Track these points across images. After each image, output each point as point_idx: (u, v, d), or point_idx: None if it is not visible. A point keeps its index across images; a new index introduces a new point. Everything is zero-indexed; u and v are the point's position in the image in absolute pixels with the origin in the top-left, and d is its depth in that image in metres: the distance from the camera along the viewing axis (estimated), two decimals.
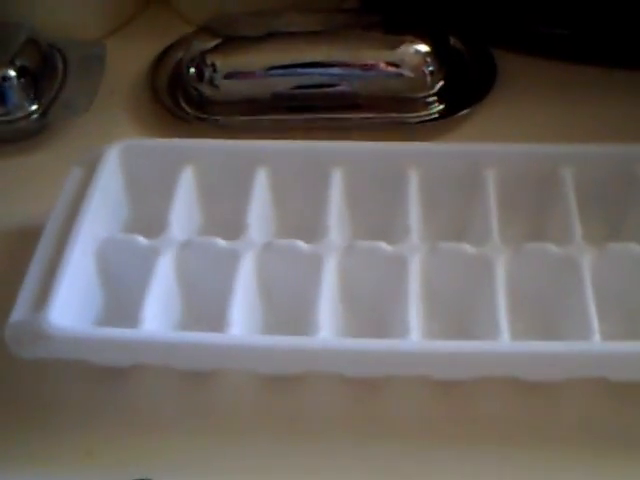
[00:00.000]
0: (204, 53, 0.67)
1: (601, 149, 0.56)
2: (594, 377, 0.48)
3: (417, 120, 0.66)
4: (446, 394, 0.49)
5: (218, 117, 0.67)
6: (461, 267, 0.51)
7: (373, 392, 0.49)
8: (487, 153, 0.56)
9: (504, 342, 0.47)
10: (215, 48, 0.68)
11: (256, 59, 0.67)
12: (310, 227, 0.54)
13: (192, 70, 0.68)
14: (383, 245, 0.51)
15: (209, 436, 0.48)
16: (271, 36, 0.68)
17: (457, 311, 0.51)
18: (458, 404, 0.49)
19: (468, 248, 0.51)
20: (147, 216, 0.55)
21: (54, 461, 0.47)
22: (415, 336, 0.47)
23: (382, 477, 0.46)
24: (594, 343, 0.46)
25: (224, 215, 0.56)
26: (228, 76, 0.67)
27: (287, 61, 0.67)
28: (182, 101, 0.68)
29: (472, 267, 0.51)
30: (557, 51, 0.69)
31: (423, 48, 0.66)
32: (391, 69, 0.66)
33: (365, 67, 0.66)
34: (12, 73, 0.65)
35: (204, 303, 0.51)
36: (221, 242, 0.52)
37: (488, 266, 0.50)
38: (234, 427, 0.48)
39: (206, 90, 0.67)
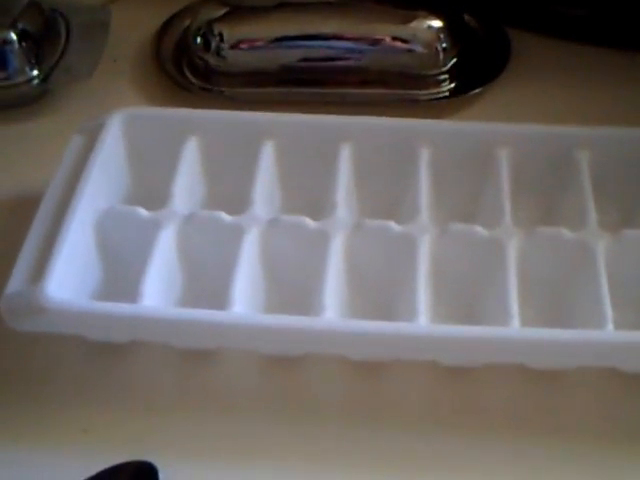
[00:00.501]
0: (211, 22, 0.66)
1: (617, 132, 0.54)
2: (604, 366, 0.47)
3: (427, 98, 0.65)
4: (453, 380, 0.48)
5: (223, 88, 0.66)
6: (471, 249, 0.50)
7: (378, 376, 0.48)
8: (501, 132, 0.54)
9: (514, 328, 0.45)
10: (222, 17, 0.66)
11: (264, 30, 0.66)
12: (317, 204, 0.53)
13: (198, 39, 0.66)
14: (392, 224, 0.50)
15: (208, 416, 0.47)
16: (280, 6, 0.66)
17: (466, 295, 0.50)
18: (465, 391, 0.48)
19: (479, 230, 0.50)
20: (149, 187, 0.54)
21: (49, 438, 0.46)
22: (422, 319, 0.46)
23: (383, 462, 0.45)
24: (606, 332, 0.45)
25: (228, 189, 0.54)
26: (235, 46, 0.65)
27: (296, 33, 0.65)
28: (187, 71, 0.67)
29: (483, 250, 0.50)
30: (574, 32, 0.68)
31: (436, 24, 0.65)
32: (402, 44, 0.65)
33: (376, 41, 0.65)
34: (13, 37, 0.64)
35: (206, 279, 0.50)
36: (225, 217, 0.51)
37: (499, 249, 0.49)
38: (234, 407, 0.47)
39: (212, 60, 0.66)
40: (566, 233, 0.50)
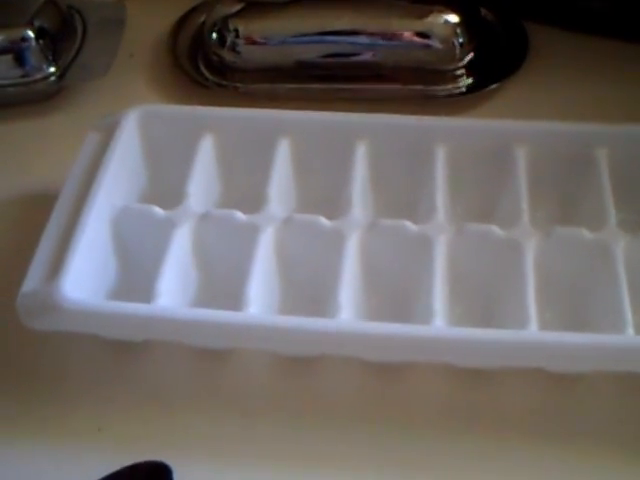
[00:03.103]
0: (227, 18, 0.66)
1: (637, 129, 0.54)
2: (624, 370, 0.46)
3: (444, 93, 0.64)
4: (469, 383, 0.47)
5: (239, 84, 0.65)
6: (489, 250, 0.49)
7: (393, 378, 0.48)
8: (518, 130, 0.54)
9: (532, 332, 0.45)
10: (238, 13, 0.66)
11: (280, 25, 0.65)
12: (332, 202, 0.52)
13: (214, 35, 0.66)
14: (408, 224, 0.50)
15: (222, 416, 0.47)
16: (296, 2, 0.66)
17: (483, 296, 0.49)
18: (482, 394, 0.47)
19: (496, 230, 0.49)
20: (165, 185, 0.54)
21: (63, 436, 0.46)
22: (439, 321, 0.46)
23: (398, 466, 0.45)
24: (625, 336, 0.45)
25: (244, 187, 0.54)
26: (250, 42, 0.65)
27: (312, 28, 0.65)
28: (202, 67, 0.67)
29: (500, 250, 0.49)
30: (593, 26, 0.67)
31: (453, 18, 0.65)
32: (419, 39, 0.64)
33: (392, 37, 0.64)
34: (30, 34, 0.64)
35: (221, 278, 0.50)
36: (240, 215, 0.50)
37: (517, 249, 0.49)
38: (249, 408, 0.47)
39: (227, 56, 0.65)
40: (585, 233, 0.49)
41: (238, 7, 0.66)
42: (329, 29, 0.65)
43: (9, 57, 0.64)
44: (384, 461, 0.45)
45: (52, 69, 0.64)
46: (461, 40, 0.64)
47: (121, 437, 0.46)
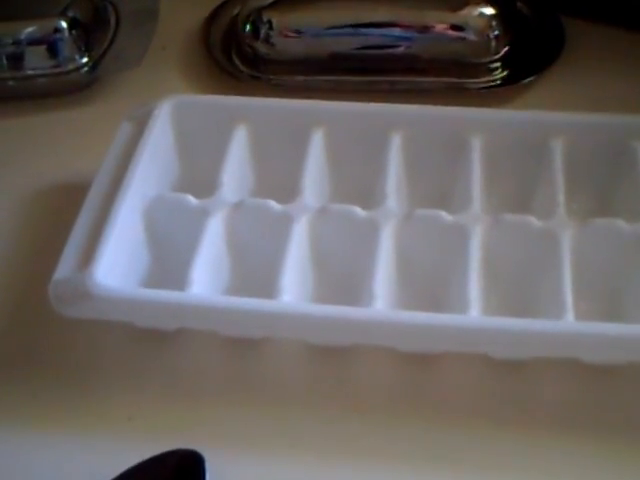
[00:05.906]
0: (260, 10, 0.66)
1: None
2: None
3: (479, 86, 0.64)
4: (504, 373, 0.47)
5: (272, 76, 0.65)
6: (525, 240, 0.49)
7: (427, 368, 0.47)
8: (554, 122, 0.53)
9: (568, 322, 0.44)
10: (272, 5, 0.66)
11: (314, 17, 0.65)
12: (367, 193, 0.52)
13: (247, 27, 0.66)
14: (443, 214, 0.49)
15: (255, 405, 0.46)
16: None
17: (519, 286, 0.49)
18: (516, 385, 0.47)
19: (533, 221, 0.49)
20: (197, 175, 0.54)
21: (94, 425, 0.46)
22: (474, 311, 0.45)
23: (430, 457, 0.44)
24: None
25: (277, 177, 0.54)
26: (284, 34, 0.65)
27: (346, 20, 0.65)
28: (236, 59, 0.66)
29: (536, 241, 0.49)
30: (629, 19, 0.66)
31: (488, 11, 0.64)
32: (454, 32, 0.64)
33: (427, 29, 0.64)
34: (64, 25, 0.64)
35: (254, 267, 0.50)
36: (274, 205, 0.50)
37: (553, 240, 0.48)
38: (280, 397, 0.47)
39: (261, 48, 0.65)
40: (621, 224, 0.49)
41: None
42: (364, 21, 0.64)
43: (42, 48, 0.64)
44: (418, 453, 0.44)
45: (85, 60, 0.64)
46: (496, 33, 0.64)
47: (152, 426, 0.46)
